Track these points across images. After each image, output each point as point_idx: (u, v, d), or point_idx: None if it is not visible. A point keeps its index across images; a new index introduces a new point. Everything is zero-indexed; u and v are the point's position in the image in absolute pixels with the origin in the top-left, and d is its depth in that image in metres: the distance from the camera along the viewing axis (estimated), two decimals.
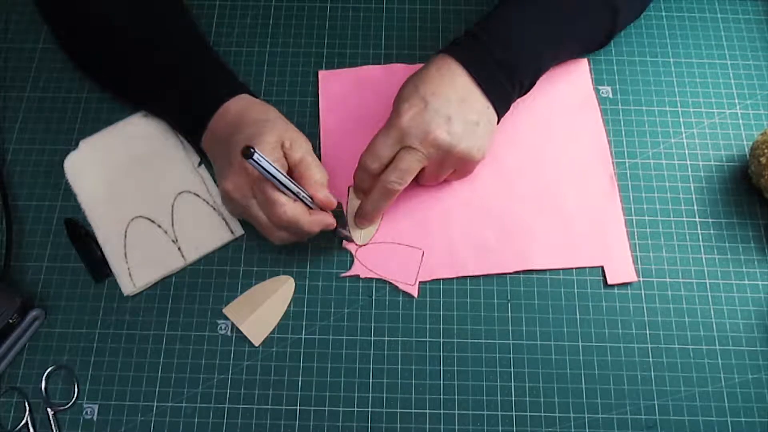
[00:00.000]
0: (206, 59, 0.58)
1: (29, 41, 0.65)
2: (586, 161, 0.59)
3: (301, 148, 0.51)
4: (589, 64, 0.63)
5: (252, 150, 0.45)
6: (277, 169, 0.47)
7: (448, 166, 0.54)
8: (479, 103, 0.53)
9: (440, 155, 0.52)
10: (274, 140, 0.49)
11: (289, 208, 0.49)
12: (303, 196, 0.50)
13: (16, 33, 0.65)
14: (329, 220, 0.52)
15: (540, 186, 0.58)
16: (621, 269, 0.55)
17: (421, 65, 0.54)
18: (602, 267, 0.55)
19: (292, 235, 0.51)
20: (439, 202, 0.57)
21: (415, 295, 0.54)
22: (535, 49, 0.55)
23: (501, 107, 0.54)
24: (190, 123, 0.56)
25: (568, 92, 0.61)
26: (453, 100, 0.52)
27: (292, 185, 0.48)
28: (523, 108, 0.60)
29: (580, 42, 0.60)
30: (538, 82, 0.57)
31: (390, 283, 0.55)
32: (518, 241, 0.56)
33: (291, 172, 0.51)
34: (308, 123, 0.61)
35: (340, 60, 0.64)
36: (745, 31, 0.65)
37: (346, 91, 0.62)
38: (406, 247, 0.56)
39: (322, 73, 0.63)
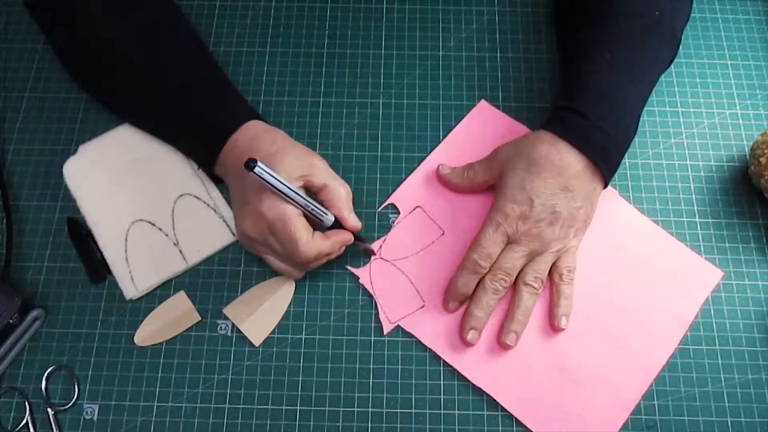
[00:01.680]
0: (212, 87, 0.56)
1: (29, 42, 0.65)
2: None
3: (320, 171, 0.50)
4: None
5: (253, 163, 0.44)
6: (282, 182, 0.46)
7: (550, 258, 0.53)
8: (585, 190, 0.52)
9: (543, 248, 0.52)
10: (290, 176, 0.48)
11: (312, 245, 0.48)
12: (312, 209, 0.49)
13: (16, 33, 0.65)
14: (347, 237, 0.51)
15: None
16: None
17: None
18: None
19: (312, 266, 0.51)
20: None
21: (385, 332, 0.53)
22: (636, 110, 0.55)
23: (610, 177, 0.53)
24: (200, 158, 0.56)
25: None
26: (558, 189, 0.51)
27: (300, 198, 0.48)
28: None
29: (658, 78, 0.58)
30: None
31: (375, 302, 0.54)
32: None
33: (315, 198, 0.50)
34: (308, 123, 0.61)
35: (340, 60, 0.64)
36: (745, 31, 0.65)
37: (486, 133, 0.60)
38: (414, 290, 0.55)
39: (483, 103, 0.61)
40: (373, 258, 0.56)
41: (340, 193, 0.50)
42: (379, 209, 0.58)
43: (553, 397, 0.51)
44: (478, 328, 0.52)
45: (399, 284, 0.55)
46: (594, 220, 0.55)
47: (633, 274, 0.55)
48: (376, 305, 0.54)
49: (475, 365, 0.52)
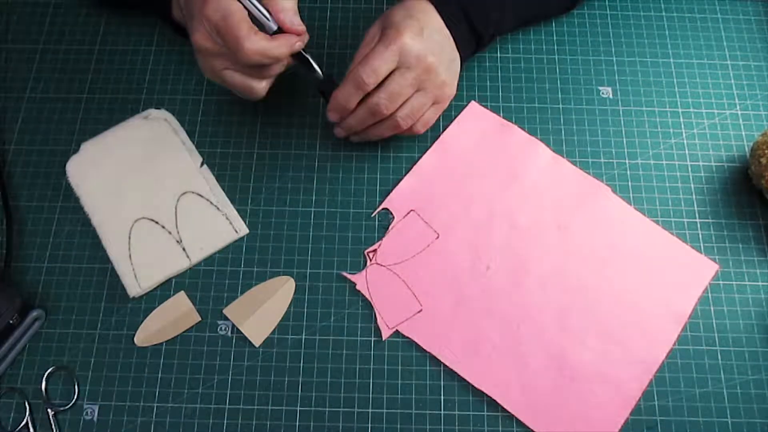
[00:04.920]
0: None
1: (29, 42, 0.65)
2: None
3: None
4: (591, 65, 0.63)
5: None
6: None
7: (429, 97, 0.54)
8: (453, 43, 0.55)
9: (427, 82, 0.53)
10: None
11: (255, 42, 0.47)
12: (252, 9, 0.48)
13: (17, 34, 0.65)
14: (293, 40, 0.50)
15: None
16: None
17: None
18: None
19: (267, 71, 0.51)
20: (484, 295, 0.54)
21: (383, 338, 0.53)
22: (498, 4, 0.57)
23: (463, 51, 0.56)
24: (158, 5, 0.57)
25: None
26: (438, 31, 0.53)
27: (250, 4, 0.47)
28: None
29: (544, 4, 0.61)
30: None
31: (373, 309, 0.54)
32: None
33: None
34: (308, 123, 0.61)
35: (340, 61, 0.64)
36: (745, 31, 0.65)
37: (478, 133, 0.60)
38: (411, 294, 0.55)
39: (473, 104, 0.61)
40: (369, 264, 0.55)
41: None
42: (373, 214, 0.57)
43: (554, 396, 0.51)
44: (349, 132, 0.56)
45: (396, 289, 0.55)
46: (587, 218, 0.56)
47: (628, 271, 0.55)
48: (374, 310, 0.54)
49: (475, 367, 0.52)
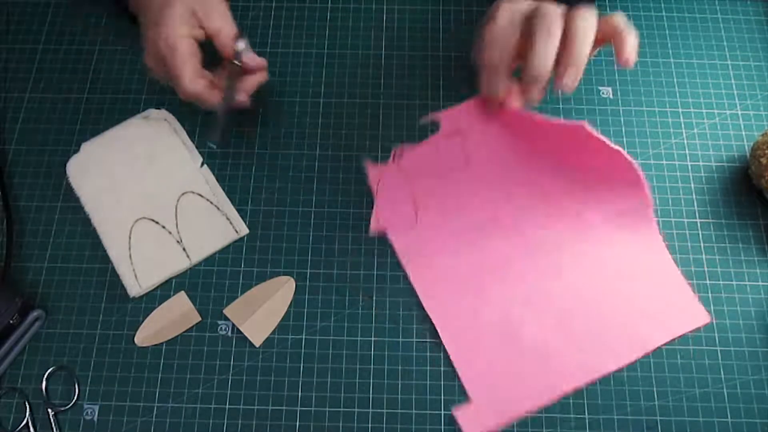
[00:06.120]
0: None
1: (30, 42, 0.65)
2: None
3: (218, 16, 0.52)
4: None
5: None
6: None
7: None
8: None
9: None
10: (183, 11, 0.50)
11: (194, 86, 0.50)
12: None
13: (17, 34, 0.65)
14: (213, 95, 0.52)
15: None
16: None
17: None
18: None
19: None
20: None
21: (370, 232, 0.54)
22: None
23: None
24: None
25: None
26: None
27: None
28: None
29: None
30: None
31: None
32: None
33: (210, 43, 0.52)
34: (309, 123, 0.61)
35: (340, 60, 0.64)
36: (745, 31, 0.65)
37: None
38: (412, 208, 0.54)
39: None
40: (392, 161, 0.55)
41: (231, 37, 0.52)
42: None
43: (499, 361, 0.52)
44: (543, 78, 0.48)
45: (402, 198, 0.54)
46: (615, 237, 0.55)
47: (623, 286, 0.54)
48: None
49: (439, 307, 0.53)
